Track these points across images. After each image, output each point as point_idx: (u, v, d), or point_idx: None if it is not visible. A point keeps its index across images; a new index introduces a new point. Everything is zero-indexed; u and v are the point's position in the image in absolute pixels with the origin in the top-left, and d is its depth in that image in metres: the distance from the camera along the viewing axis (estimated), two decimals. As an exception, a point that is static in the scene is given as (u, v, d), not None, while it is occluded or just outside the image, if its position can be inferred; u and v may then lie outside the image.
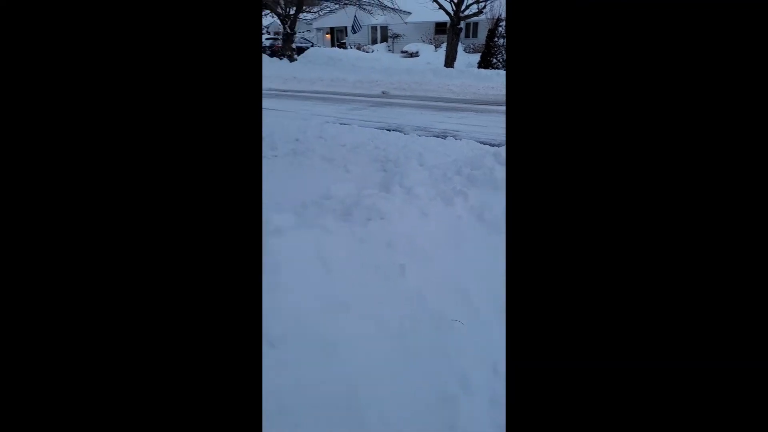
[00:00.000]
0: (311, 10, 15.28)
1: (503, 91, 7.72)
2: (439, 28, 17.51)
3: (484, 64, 11.06)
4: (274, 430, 1.06)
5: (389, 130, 4.65)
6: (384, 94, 8.15)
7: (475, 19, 12.91)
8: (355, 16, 15.00)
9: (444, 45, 13.49)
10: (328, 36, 20.85)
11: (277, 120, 5.32)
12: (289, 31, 14.12)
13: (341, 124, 5.08)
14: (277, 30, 16.94)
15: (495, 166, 2.34)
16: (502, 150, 2.59)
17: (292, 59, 13.71)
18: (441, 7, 11.40)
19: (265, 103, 7.08)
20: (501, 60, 10.90)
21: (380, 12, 14.95)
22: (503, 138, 4.38)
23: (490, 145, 3.63)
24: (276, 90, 8.85)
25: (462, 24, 12.23)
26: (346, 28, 17.97)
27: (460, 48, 12.49)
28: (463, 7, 11.33)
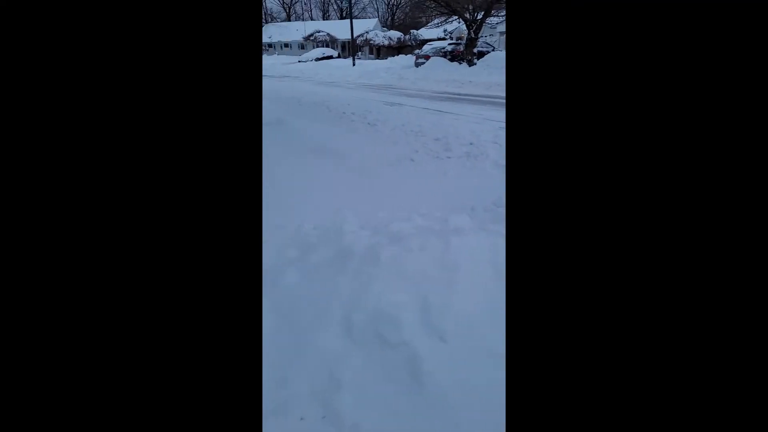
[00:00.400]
0: (498, 14, 15.06)
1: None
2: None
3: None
4: (439, 423, 1.09)
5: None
6: (567, 101, 7.46)
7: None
8: (545, 18, 14.09)
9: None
10: (511, 40, 20.20)
11: (451, 123, 5.44)
12: (473, 35, 14.26)
13: (517, 130, 4.87)
14: (459, 35, 17.31)
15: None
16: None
17: (471, 63, 13.83)
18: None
19: (439, 105, 7.33)
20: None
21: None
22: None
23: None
24: (450, 93, 9.07)
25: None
26: (532, 31, 17.07)
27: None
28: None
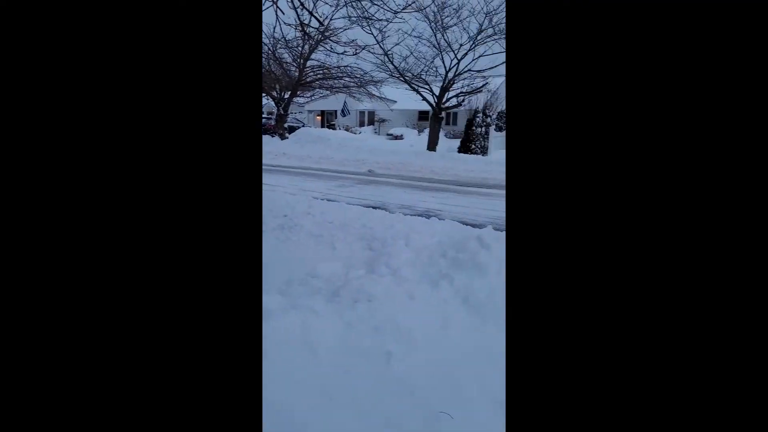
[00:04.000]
0: (304, 95, 16.47)
1: (482, 174, 8.20)
2: (422, 115, 18.96)
3: (464, 149, 11.87)
4: None
5: (375, 208, 4.80)
6: (370, 172, 8.55)
7: (455, 110, 14.17)
8: (345, 102, 16.24)
9: (426, 130, 14.54)
10: (319, 117, 22.28)
11: (266, 194, 5.45)
12: (282, 112, 15.08)
13: (329, 200, 5.24)
14: (270, 110, 18.08)
15: (479, 250, 2.43)
16: (486, 233, 2.71)
17: (283, 137, 14.45)
18: (424, 99, 12.52)
19: (255, 177, 7.27)
20: (479, 146, 11.76)
21: (368, 99, 16.25)
22: (485, 219, 4.57)
23: (473, 225, 3.78)
24: (266, 165, 9.18)
25: (443, 113, 13.35)
26: (336, 111, 19.32)
27: (441, 134, 13.45)
28: (444, 99, 12.46)
